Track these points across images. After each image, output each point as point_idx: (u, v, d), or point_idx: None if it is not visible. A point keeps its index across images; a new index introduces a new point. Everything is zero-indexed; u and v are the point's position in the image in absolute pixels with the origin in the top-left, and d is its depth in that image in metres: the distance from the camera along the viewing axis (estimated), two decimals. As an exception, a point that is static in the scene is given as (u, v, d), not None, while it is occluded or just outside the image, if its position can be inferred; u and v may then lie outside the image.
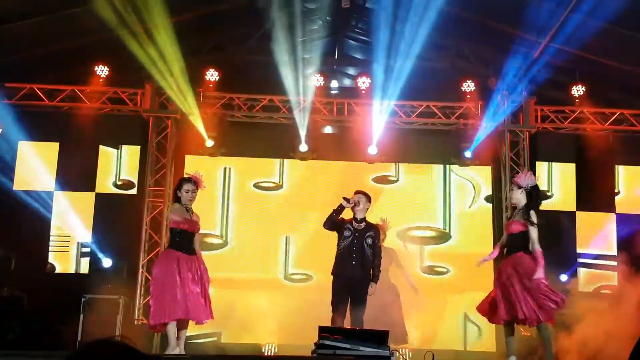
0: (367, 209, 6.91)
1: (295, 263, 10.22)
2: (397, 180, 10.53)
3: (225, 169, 10.42)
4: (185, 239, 6.14)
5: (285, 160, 10.45)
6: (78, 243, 10.01)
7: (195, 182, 6.27)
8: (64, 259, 10.03)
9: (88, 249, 9.93)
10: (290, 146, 10.14)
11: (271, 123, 10.35)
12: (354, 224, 6.81)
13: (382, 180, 10.48)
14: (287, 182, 10.45)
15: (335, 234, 6.89)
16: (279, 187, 10.43)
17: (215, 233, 10.23)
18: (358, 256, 6.69)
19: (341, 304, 6.65)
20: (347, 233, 6.76)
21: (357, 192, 6.95)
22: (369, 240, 6.75)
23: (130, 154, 10.34)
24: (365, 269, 6.71)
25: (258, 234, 10.31)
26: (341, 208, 6.76)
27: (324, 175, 10.46)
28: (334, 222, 6.79)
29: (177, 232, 6.15)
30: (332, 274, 6.85)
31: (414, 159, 10.59)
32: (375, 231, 6.84)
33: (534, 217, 6.09)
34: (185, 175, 6.65)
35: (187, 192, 6.20)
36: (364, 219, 6.84)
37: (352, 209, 6.82)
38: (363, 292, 6.67)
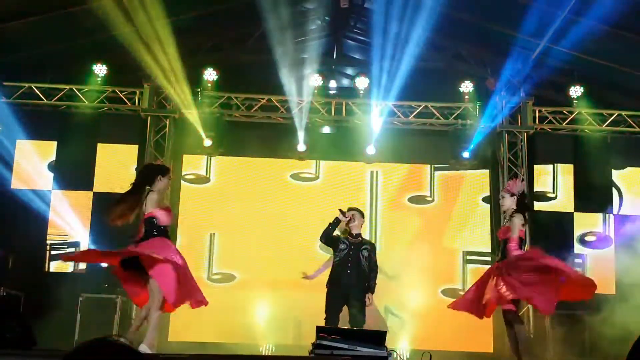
0: (362, 224, 6.96)
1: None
2: (317, 177, 10.51)
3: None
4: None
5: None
6: (75, 242, 9.99)
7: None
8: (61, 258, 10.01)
9: (85, 249, 9.91)
10: (289, 146, 10.14)
11: (269, 123, 10.35)
12: (350, 238, 6.86)
13: (300, 177, 10.48)
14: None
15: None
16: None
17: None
18: (354, 266, 6.72)
19: (335, 314, 6.65)
20: (342, 246, 6.81)
21: (350, 209, 6.99)
22: (365, 253, 6.78)
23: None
24: (361, 279, 6.72)
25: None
26: (337, 221, 6.82)
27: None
28: (330, 236, 6.82)
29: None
30: (327, 284, 6.86)
31: (411, 159, 10.59)
32: (371, 245, 6.90)
33: (516, 219, 6.16)
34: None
35: (168, 182, 6.03)
36: (359, 234, 6.89)
37: (347, 225, 6.87)
38: (359, 302, 6.68)
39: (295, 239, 10.07)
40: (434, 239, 10.16)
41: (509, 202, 6.34)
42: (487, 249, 10.17)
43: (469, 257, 10.17)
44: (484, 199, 10.46)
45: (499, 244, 6.39)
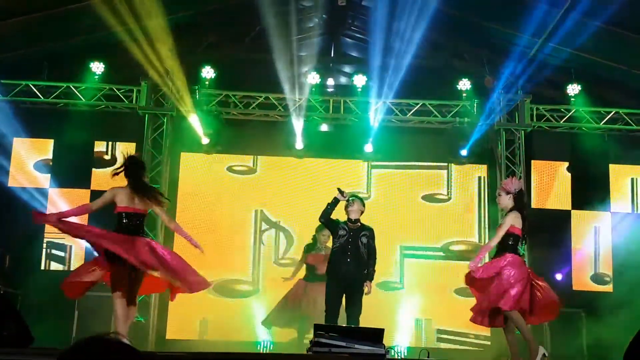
0: (362, 211, 6.94)
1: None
2: (255, 171, 10.49)
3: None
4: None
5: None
6: (73, 240, 9.97)
7: None
8: (59, 256, 10.01)
9: (83, 247, 9.90)
10: (286, 144, 10.14)
11: (267, 121, 10.35)
12: (349, 224, 6.84)
13: (238, 170, 10.48)
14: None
15: None
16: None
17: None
18: (353, 254, 6.71)
19: (335, 304, 6.67)
20: (342, 232, 6.80)
21: (351, 196, 7.00)
22: (364, 240, 6.78)
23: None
24: (360, 267, 6.73)
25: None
26: (336, 201, 6.80)
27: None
28: (329, 217, 6.80)
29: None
30: (326, 273, 6.87)
31: (409, 157, 10.59)
32: (370, 231, 6.88)
33: (508, 217, 6.19)
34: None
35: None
36: (358, 220, 6.87)
37: (346, 209, 6.86)
38: (358, 291, 6.69)
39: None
40: None
41: (505, 201, 6.33)
42: (424, 244, 10.30)
43: (405, 252, 10.23)
44: (423, 197, 10.43)
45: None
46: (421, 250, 10.30)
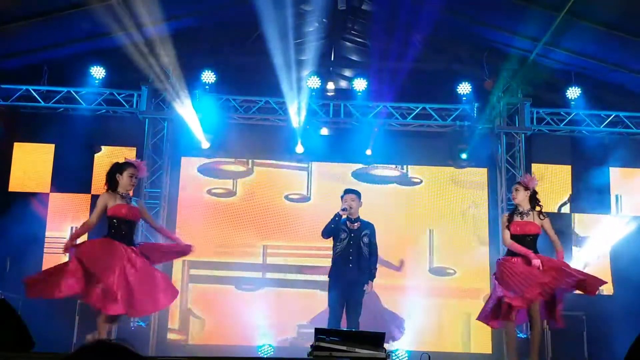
0: (360, 206, 6.92)
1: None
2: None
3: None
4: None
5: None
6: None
7: (137, 167, 6.14)
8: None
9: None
10: (287, 148, 10.15)
11: (267, 125, 10.36)
12: (349, 224, 6.81)
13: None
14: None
15: None
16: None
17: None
18: (355, 259, 6.71)
19: (338, 307, 6.67)
20: (342, 235, 6.76)
21: (347, 192, 6.95)
22: (365, 240, 6.77)
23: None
24: (362, 270, 6.73)
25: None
26: (339, 218, 6.76)
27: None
28: (332, 232, 6.79)
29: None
30: (329, 276, 6.86)
31: (410, 161, 10.59)
32: (370, 229, 6.86)
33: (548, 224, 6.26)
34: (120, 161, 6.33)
35: (130, 177, 6.06)
36: (357, 218, 6.85)
37: (345, 211, 6.85)
38: (359, 296, 6.68)
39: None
40: (233, 233, 10.15)
41: (521, 196, 6.31)
42: (287, 242, 10.24)
43: (270, 251, 10.19)
44: (286, 197, 10.36)
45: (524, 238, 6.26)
46: (284, 249, 10.24)
